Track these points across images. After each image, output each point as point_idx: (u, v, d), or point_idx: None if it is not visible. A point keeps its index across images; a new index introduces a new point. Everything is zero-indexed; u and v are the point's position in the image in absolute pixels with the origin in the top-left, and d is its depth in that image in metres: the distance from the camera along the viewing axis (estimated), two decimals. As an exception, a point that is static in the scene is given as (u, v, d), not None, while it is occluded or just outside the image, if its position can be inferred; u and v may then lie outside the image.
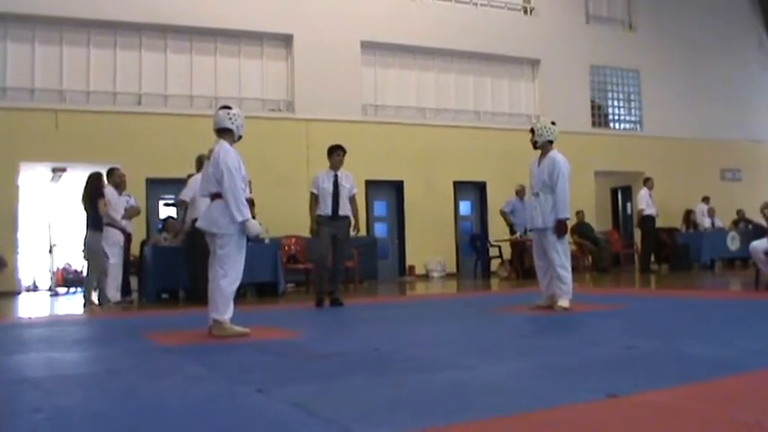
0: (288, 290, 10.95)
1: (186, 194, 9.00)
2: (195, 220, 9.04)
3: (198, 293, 9.11)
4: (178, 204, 9.55)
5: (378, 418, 2.64)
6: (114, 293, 9.10)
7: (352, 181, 8.21)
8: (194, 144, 9.59)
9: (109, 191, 9.20)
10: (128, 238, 9.95)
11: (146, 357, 4.58)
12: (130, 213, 10.01)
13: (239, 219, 5.23)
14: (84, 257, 9.67)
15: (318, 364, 4.02)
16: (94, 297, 9.25)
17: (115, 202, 9.27)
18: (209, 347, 4.86)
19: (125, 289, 10.01)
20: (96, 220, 8.96)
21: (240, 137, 5.53)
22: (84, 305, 9.03)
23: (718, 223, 16.15)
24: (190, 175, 9.14)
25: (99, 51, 13.79)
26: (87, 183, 9.17)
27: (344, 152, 8.23)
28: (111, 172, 9.70)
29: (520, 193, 13.60)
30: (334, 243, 8.07)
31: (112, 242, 9.09)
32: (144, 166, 12.53)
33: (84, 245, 9.36)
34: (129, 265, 10.22)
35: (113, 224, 9.12)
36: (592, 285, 11.11)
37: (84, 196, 9.07)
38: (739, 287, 10.01)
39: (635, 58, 18.42)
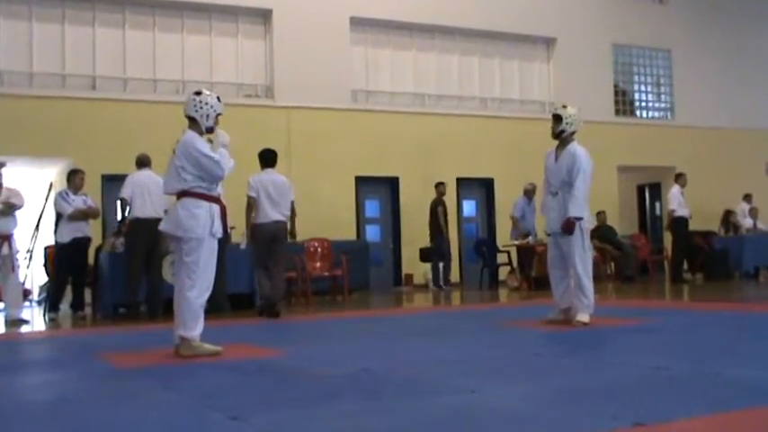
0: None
1: (125, 192, 9.34)
2: (135, 220, 9.24)
3: (134, 308, 9.27)
4: (121, 203, 9.70)
5: (369, 449, 2.64)
6: None
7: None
8: (159, 135, 9.56)
9: None
10: (85, 242, 9.95)
11: (101, 382, 4.57)
12: (89, 214, 10.02)
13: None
14: None
15: (300, 386, 4.02)
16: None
17: None
18: (175, 369, 4.86)
19: (77, 303, 10.00)
20: None
21: (209, 128, 5.45)
22: None
23: (762, 225, 16.17)
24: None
25: (44, 26, 13.64)
26: None
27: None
28: (73, 173, 10.17)
29: (529, 192, 13.60)
30: None
31: None
32: (99, 160, 12.46)
33: None
34: (84, 276, 10.21)
35: None
36: (615, 297, 11.13)
37: None
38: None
39: (665, 37, 18.45)
